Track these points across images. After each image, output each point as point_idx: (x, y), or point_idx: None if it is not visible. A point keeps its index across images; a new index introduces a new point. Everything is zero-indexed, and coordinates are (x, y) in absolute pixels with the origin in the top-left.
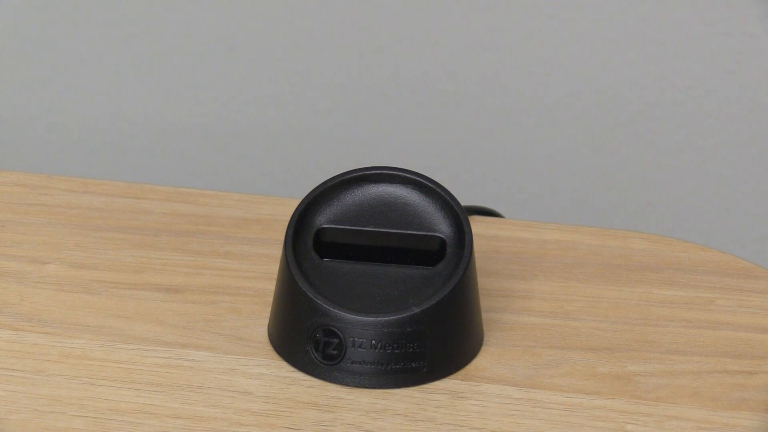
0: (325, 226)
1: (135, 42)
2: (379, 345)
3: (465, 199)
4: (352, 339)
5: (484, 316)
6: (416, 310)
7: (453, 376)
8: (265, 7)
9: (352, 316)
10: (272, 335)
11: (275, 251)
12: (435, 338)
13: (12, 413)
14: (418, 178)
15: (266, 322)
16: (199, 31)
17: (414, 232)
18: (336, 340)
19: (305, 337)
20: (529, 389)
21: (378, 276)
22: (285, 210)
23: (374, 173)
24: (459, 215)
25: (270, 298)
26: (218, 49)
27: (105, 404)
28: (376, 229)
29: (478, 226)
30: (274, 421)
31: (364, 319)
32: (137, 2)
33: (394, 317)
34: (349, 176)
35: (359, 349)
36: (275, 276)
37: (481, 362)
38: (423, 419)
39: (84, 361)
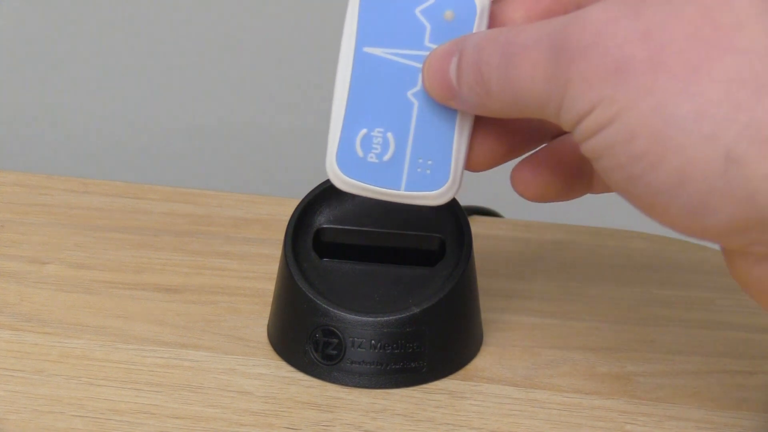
0: (324, 226)
1: (135, 42)
2: (379, 345)
3: (465, 199)
4: (351, 339)
5: (484, 316)
6: (416, 310)
7: (452, 376)
8: (265, 7)
9: (351, 316)
10: (272, 335)
11: (275, 251)
12: (434, 338)
13: (12, 413)
14: None
15: (266, 322)
16: (199, 31)
17: (414, 232)
18: (335, 340)
19: (305, 337)
20: (528, 389)
21: (377, 276)
22: (285, 210)
23: None
24: (459, 215)
25: (270, 298)
26: (218, 49)
27: (104, 404)
28: (376, 230)
29: (477, 226)
30: (274, 421)
31: (364, 319)
32: (137, 2)
33: (394, 317)
34: None
35: (359, 349)
36: (275, 276)
37: (480, 362)
38: (422, 419)
39: (83, 361)
